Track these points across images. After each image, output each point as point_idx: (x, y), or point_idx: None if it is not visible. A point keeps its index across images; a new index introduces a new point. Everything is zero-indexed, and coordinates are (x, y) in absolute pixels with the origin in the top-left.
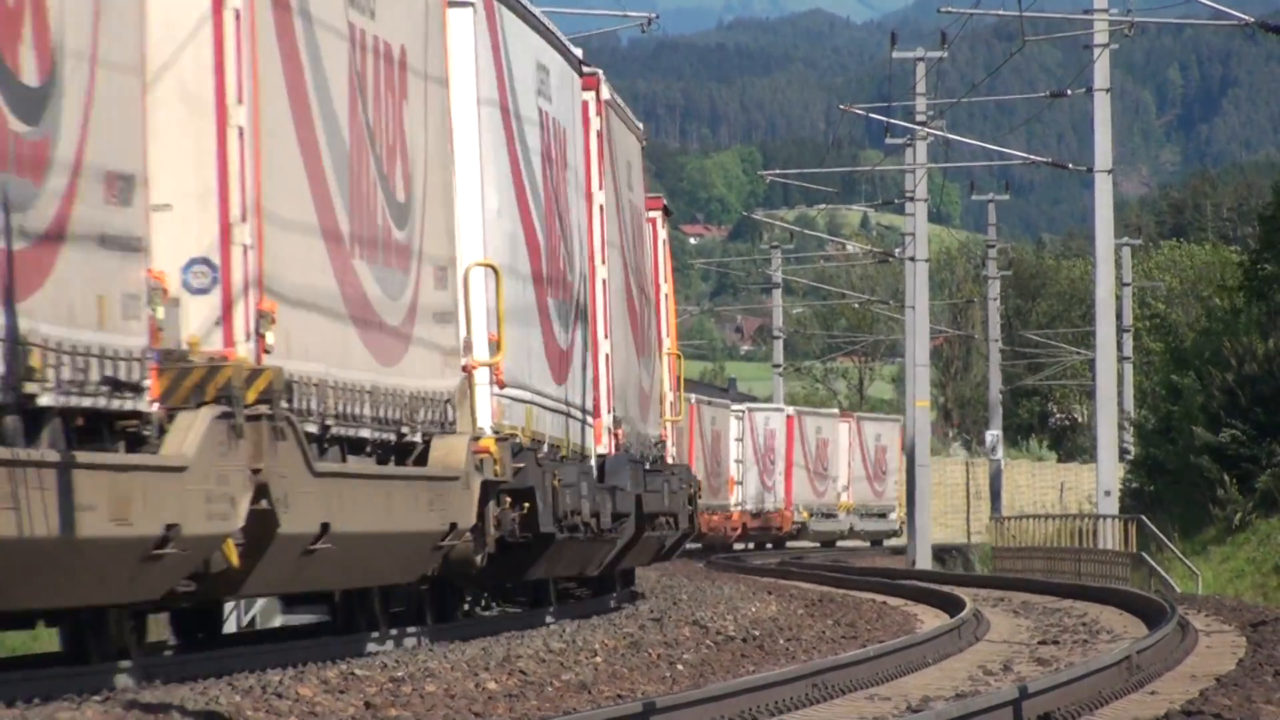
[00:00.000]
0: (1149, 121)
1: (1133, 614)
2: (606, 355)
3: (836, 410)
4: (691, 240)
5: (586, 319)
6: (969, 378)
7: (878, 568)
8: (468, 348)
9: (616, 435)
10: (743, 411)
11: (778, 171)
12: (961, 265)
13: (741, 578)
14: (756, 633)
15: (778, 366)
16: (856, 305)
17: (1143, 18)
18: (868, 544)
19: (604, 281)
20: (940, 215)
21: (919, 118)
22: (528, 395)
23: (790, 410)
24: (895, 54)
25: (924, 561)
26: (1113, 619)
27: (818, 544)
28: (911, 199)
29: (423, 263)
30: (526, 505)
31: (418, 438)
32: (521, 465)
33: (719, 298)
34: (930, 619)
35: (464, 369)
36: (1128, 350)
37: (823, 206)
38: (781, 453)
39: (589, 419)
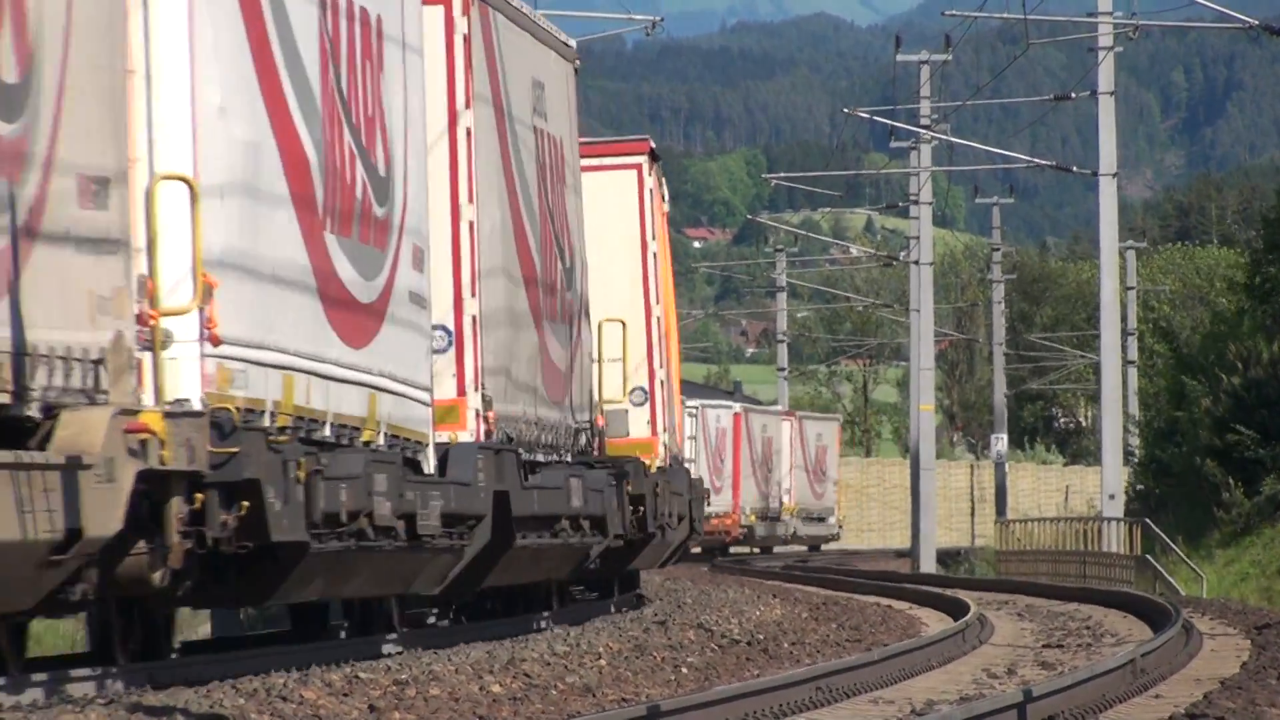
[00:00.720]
0: (1153, 125)
1: (1137, 617)
2: (474, 317)
3: (779, 407)
4: (696, 244)
5: (426, 270)
6: (973, 381)
7: (882, 571)
8: (148, 290)
9: (487, 418)
10: (696, 409)
11: (782, 175)
12: (966, 269)
13: (746, 581)
14: (761, 636)
15: (782, 370)
16: (861, 309)
17: (1146, 21)
18: (806, 549)
19: (471, 224)
20: (945, 218)
21: (923, 121)
22: (282, 359)
23: (738, 407)
24: (899, 57)
25: (928, 565)
26: (1117, 622)
27: (758, 550)
28: (916, 202)
29: (53, 171)
30: (246, 504)
31: (34, 411)
32: (236, 449)
33: (723, 301)
34: (934, 622)
35: (140, 318)
36: (1132, 354)
37: (827, 210)
38: (730, 453)
39: (423, 396)
